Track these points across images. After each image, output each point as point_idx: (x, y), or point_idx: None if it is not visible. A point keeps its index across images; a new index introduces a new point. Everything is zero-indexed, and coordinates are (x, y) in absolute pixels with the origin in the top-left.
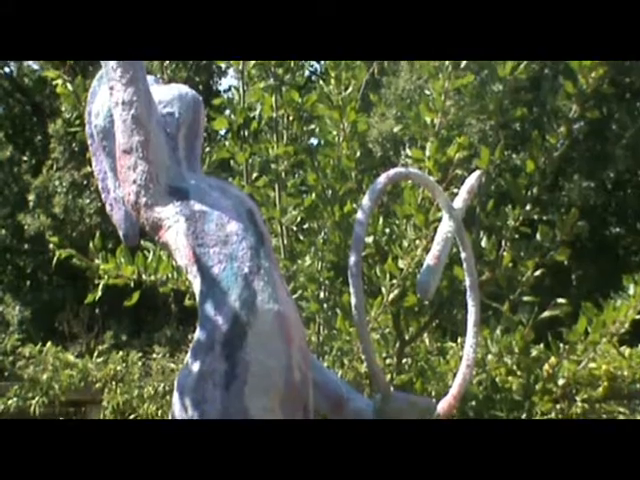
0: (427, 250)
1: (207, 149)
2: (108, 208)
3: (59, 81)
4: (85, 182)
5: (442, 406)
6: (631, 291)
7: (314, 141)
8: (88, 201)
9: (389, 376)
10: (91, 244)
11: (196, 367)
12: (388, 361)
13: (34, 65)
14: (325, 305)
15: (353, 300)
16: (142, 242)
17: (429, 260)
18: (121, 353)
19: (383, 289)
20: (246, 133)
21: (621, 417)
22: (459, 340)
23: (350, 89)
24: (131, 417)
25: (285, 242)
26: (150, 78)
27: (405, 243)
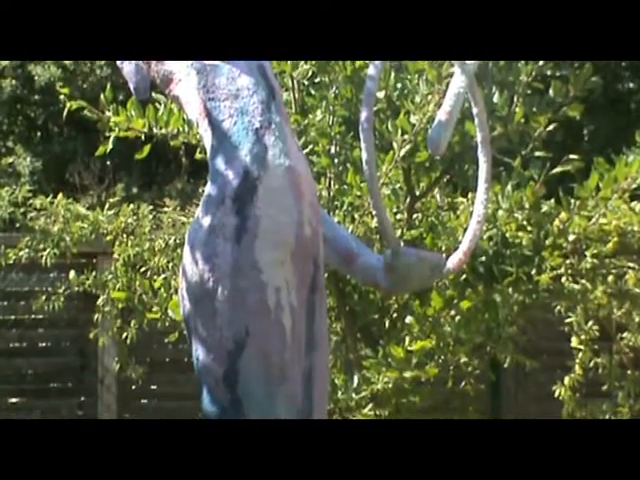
0: (439, 105)
1: None
2: (118, 61)
3: None
4: None
5: (452, 261)
6: None
7: None
8: None
9: (399, 231)
10: (102, 96)
11: (207, 221)
12: (398, 216)
13: None
14: (336, 160)
15: (364, 155)
16: (153, 95)
17: (441, 115)
18: (132, 206)
19: (394, 144)
20: None
21: (630, 272)
22: (470, 195)
23: None
24: (142, 270)
25: (296, 96)
26: None
27: (417, 98)
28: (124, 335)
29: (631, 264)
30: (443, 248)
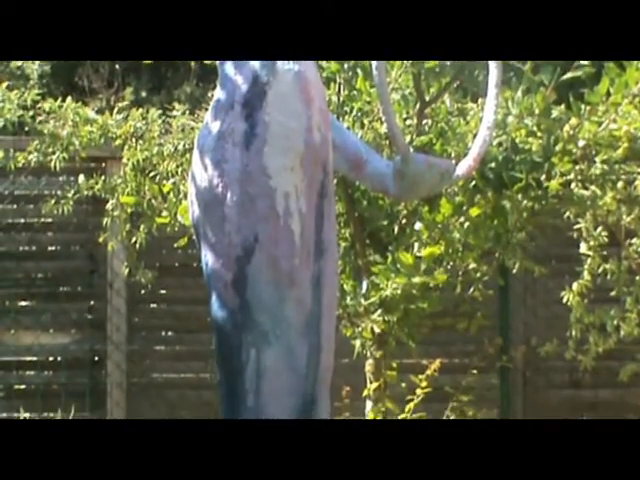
0: None
1: None
2: None
3: None
4: None
5: (462, 168)
6: None
7: None
8: None
9: (409, 137)
10: None
11: (216, 127)
12: (408, 122)
13: None
14: (345, 65)
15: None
16: None
17: None
18: (141, 110)
19: None
20: None
21: None
22: (480, 101)
23: None
24: (151, 174)
25: None
26: None
27: None
28: (133, 239)
29: None
30: (453, 154)
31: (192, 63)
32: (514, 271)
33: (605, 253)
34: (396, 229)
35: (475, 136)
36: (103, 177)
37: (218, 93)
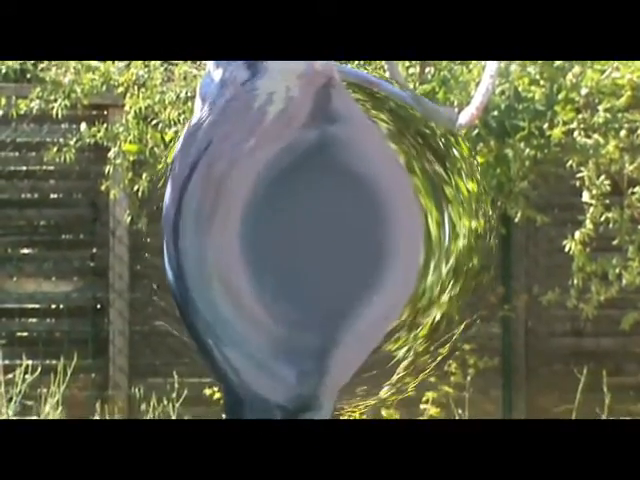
0: None
1: None
2: None
3: None
4: None
5: (464, 116)
6: None
7: None
8: None
9: (412, 85)
10: None
11: (218, 75)
12: (411, 70)
13: None
14: None
15: None
16: None
17: None
18: None
19: None
20: None
21: None
22: None
23: None
24: (153, 122)
25: None
26: None
27: None
28: (135, 187)
29: None
30: (455, 102)
31: None
32: (516, 220)
33: (607, 202)
34: None
35: (478, 84)
36: (105, 125)
37: None
